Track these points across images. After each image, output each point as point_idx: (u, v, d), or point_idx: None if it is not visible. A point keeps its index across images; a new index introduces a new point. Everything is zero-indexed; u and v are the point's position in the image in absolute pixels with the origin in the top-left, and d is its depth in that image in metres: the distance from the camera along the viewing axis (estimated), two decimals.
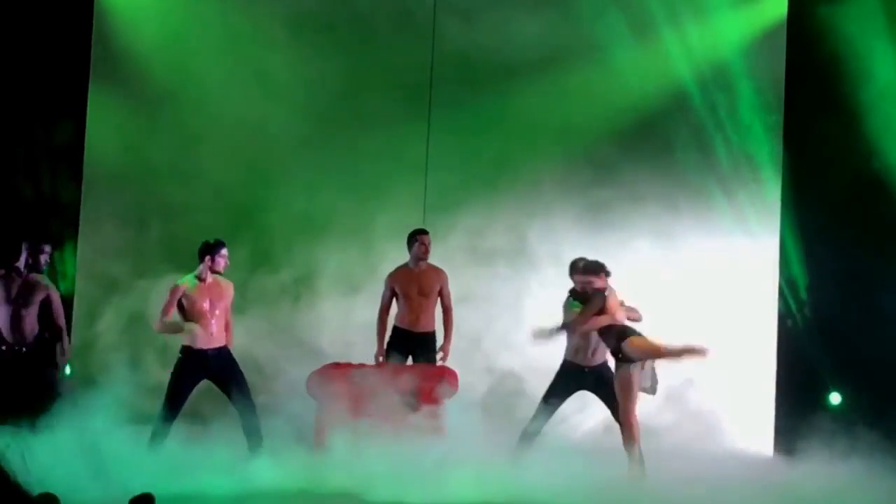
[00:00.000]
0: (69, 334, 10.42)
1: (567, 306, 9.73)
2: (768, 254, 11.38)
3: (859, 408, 11.06)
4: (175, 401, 9.66)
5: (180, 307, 9.70)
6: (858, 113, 10.98)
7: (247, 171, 11.87)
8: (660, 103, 11.51)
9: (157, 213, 11.86)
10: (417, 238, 10.80)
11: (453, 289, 10.97)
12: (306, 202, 11.88)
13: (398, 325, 10.86)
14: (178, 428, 9.56)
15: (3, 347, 9.47)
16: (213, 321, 9.72)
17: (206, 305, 9.72)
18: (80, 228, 11.85)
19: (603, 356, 9.80)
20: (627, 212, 11.54)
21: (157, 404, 9.61)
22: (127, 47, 11.82)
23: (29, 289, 9.56)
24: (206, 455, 8.98)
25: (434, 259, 10.98)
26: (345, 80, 11.73)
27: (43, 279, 9.68)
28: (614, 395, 9.48)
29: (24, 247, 9.60)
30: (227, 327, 9.89)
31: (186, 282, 9.72)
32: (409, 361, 10.72)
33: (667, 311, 11.12)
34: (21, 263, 9.58)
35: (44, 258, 9.67)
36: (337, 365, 10.64)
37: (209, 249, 9.76)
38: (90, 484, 7.88)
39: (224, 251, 9.83)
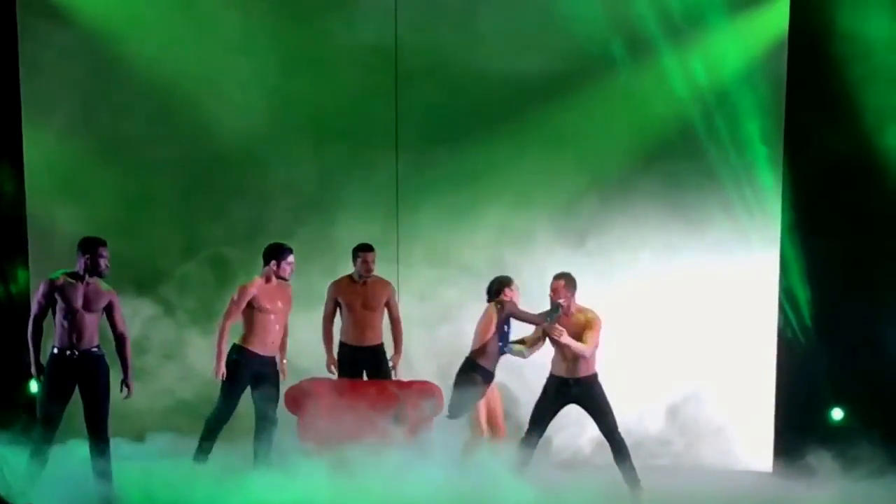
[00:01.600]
0: None
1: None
2: (768, 266, 11.27)
3: (862, 423, 10.97)
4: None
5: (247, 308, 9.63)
6: (862, 126, 10.91)
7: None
8: (658, 117, 11.36)
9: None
10: (360, 255, 10.70)
11: (435, 307, 11.06)
12: (265, 213, 11.74)
13: (343, 340, 10.79)
14: None
15: (67, 353, 8.89)
16: (277, 327, 9.70)
17: (269, 308, 9.66)
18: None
19: (591, 368, 9.67)
20: (626, 226, 11.41)
21: None
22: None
23: (93, 295, 8.96)
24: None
25: (414, 276, 11.04)
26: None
27: (104, 284, 9.08)
28: (599, 409, 9.59)
29: (79, 251, 8.96)
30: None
31: (254, 283, 9.66)
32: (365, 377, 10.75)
33: (666, 325, 11.16)
34: (80, 268, 8.93)
35: (103, 262, 8.95)
36: (315, 380, 10.49)
37: (274, 253, 9.69)
38: None
39: (290, 257, 9.74)
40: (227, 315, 9.58)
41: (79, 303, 8.88)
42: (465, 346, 9.99)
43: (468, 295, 10.85)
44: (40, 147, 11.58)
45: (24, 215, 11.59)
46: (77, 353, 8.88)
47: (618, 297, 11.08)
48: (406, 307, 11.06)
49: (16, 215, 11.61)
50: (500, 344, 9.72)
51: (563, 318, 9.60)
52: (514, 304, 9.70)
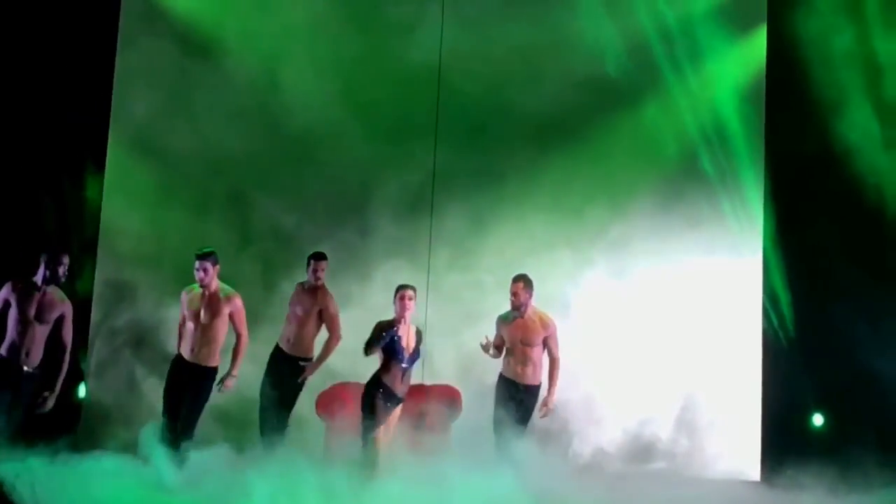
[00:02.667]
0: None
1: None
2: (752, 271, 11.59)
3: (847, 428, 11.20)
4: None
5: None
6: (841, 131, 11.30)
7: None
8: (649, 120, 11.86)
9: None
10: (311, 263, 10.77)
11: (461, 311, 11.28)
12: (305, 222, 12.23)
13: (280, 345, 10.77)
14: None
15: (13, 366, 9.11)
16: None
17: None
18: (100, 239, 12.18)
19: (539, 377, 10.14)
20: (616, 229, 11.80)
21: None
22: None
23: (47, 305, 9.18)
24: None
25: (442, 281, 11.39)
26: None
27: (60, 294, 9.33)
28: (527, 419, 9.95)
29: (42, 259, 9.21)
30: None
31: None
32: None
33: (649, 331, 11.49)
34: (39, 277, 9.16)
35: (62, 270, 9.21)
36: (345, 385, 10.91)
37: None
38: None
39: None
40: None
41: (32, 312, 9.12)
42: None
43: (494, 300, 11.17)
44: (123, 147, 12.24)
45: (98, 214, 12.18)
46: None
47: (605, 300, 11.53)
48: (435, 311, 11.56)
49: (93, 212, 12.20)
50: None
51: (518, 320, 10.00)
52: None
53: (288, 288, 11.03)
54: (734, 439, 11.50)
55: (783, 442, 11.29)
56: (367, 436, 9.52)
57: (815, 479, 9.97)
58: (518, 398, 9.99)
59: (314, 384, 10.81)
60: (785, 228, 11.54)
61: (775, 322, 11.53)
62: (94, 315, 11.92)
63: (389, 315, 9.89)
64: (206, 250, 9.71)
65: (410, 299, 9.64)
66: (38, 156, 11.91)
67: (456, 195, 12.04)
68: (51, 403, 9.31)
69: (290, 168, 12.20)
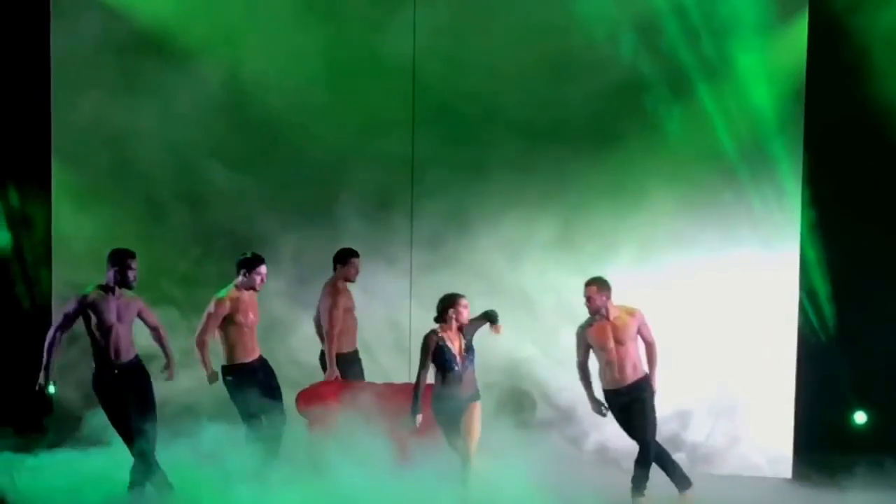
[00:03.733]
0: None
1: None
2: (788, 266, 11.08)
3: (884, 426, 10.94)
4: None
5: (224, 321, 9.73)
6: (881, 119, 10.79)
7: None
8: (668, 108, 11.13)
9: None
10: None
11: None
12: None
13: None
14: None
15: (109, 367, 9.09)
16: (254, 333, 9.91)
17: (251, 318, 9.81)
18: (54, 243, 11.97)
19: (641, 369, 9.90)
20: (645, 224, 11.23)
21: None
22: None
23: (124, 306, 9.16)
24: None
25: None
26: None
27: (130, 293, 9.28)
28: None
29: (109, 262, 9.13)
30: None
31: (227, 295, 9.74)
32: None
33: (684, 327, 10.99)
34: (111, 281, 9.11)
35: (132, 274, 9.14)
36: (327, 384, 10.54)
37: (245, 264, 9.82)
38: None
39: (262, 268, 9.84)
40: (205, 331, 9.70)
41: (112, 316, 9.06)
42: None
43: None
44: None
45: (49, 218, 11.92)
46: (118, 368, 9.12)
47: (637, 297, 10.70)
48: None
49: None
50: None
51: (603, 322, 9.69)
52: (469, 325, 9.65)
53: None
54: (767, 436, 11.12)
55: (817, 439, 10.95)
56: (452, 444, 9.49)
57: (848, 476, 9.97)
58: (625, 401, 9.75)
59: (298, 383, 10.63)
60: (824, 221, 11.10)
61: (812, 316, 11.16)
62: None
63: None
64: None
65: (465, 307, 9.54)
66: None
67: (435, 192, 11.58)
68: (173, 373, 9.65)
69: (255, 165, 11.81)
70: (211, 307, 9.69)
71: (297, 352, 11.30)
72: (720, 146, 11.09)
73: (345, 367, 10.63)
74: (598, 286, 9.67)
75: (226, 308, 9.63)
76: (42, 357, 9.04)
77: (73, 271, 11.55)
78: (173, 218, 11.84)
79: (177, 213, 11.84)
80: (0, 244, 11.84)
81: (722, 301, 11.09)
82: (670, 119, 11.15)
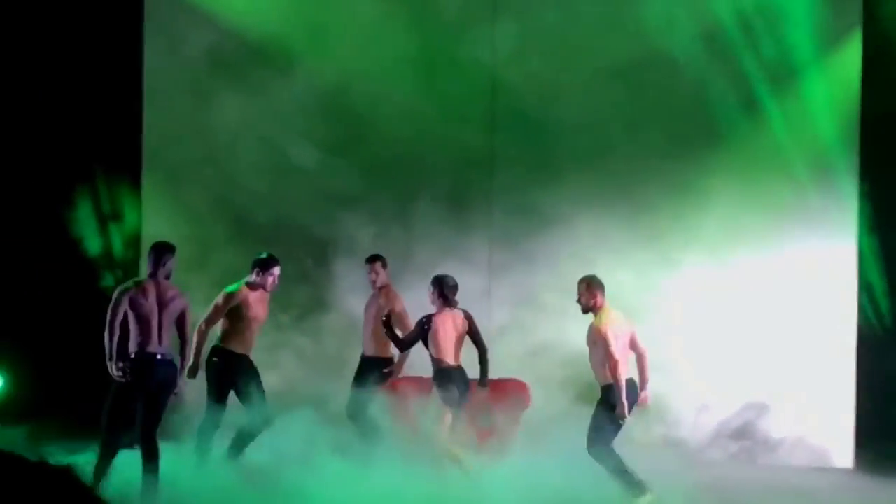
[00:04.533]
0: None
1: None
2: (846, 260, 11.29)
3: None
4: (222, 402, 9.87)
5: (231, 312, 9.82)
6: None
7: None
8: (731, 110, 11.44)
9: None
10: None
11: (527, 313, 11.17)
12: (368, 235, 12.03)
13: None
14: None
15: (147, 356, 8.76)
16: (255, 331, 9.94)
17: (258, 316, 9.88)
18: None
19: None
20: (711, 224, 11.43)
21: None
22: None
23: (164, 293, 8.88)
24: None
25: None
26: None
27: (176, 288, 9.09)
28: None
29: (150, 254, 9.03)
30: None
31: (237, 290, 9.83)
32: None
33: (743, 321, 11.19)
34: (151, 271, 8.94)
35: (166, 267, 8.96)
36: (404, 380, 10.73)
37: (260, 264, 9.93)
38: None
39: (276, 270, 9.95)
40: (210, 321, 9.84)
41: (144, 310, 8.82)
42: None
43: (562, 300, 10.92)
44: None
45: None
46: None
47: (695, 290, 11.25)
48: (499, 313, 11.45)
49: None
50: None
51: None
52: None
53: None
54: (829, 428, 11.29)
55: (878, 430, 11.02)
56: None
57: None
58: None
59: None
60: (880, 216, 11.25)
61: (870, 310, 11.25)
62: None
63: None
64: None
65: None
66: (72, 167, 11.97)
67: (513, 192, 11.84)
68: (182, 394, 9.27)
69: (339, 164, 12.02)
70: (219, 299, 9.79)
71: None
72: (780, 145, 11.32)
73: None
74: (583, 284, 9.36)
75: (234, 301, 9.76)
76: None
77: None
78: (258, 217, 12.01)
79: (262, 213, 12.04)
80: (92, 250, 12.03)
81: (783, 296, 11.26)
82: (733, 120, 11.40)
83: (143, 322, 8.73)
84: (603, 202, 11.57)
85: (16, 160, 11.91)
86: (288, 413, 9.84)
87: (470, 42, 11.80)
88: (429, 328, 9.66)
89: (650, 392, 9.39)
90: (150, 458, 8.72)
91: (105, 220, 12.16)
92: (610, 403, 8.98)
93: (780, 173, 11.32)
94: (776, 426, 11.31)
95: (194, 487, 8.94)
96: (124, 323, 8.73)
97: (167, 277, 8.96)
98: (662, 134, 11.52)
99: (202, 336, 9.72)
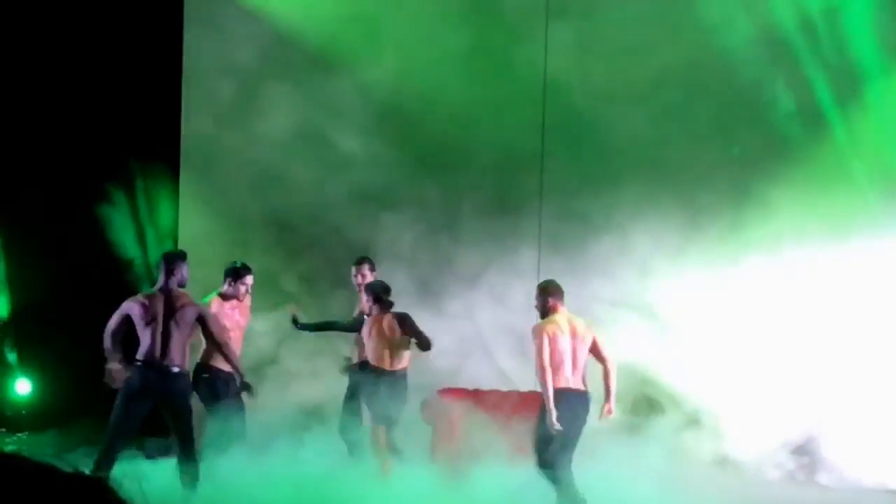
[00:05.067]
0: None
1: None
2: None
3: None
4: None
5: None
6: None
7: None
8: (792, 117, 11.19)
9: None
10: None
11: None
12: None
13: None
14: None
15: (157, 367, 8.66)
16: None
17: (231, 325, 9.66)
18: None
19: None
20: (769, 232, 11.18)
21: None
22: None
23: (175, 303, 8.76)
24: None
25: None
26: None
27: (190, 297, 8.99)
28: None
29: (161, 263, 8.97)
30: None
31: (211, 301, 9.58)
32: None
33: (803, 333, 10.99)
34: (161, 280, 8.85)
35: (179, 275, 8.87)
36: (450, 390, 10.69)
37: (232, 273, 9.73)
38: None
39: (248, 279, 9.75)
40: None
41: (149, 317, 8.74)
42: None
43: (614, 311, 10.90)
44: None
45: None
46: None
47: (754, 302, 11.03)
48: None
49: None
50: None
51: None
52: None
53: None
54: (880, 449, 10.97)
55: None
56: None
57: None
58: None
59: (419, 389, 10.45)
60: None
61: None
62: None
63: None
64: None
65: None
66: (109, 167, 11.84)
67: (564, 198, 11.63)
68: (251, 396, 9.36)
69: (383, 167, 11.84)
70: None
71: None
72: (842, 152, 11.10)
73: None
74: (539, 289, 9.27)
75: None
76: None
77: (199, 277, 11.60)
78: (298, 218, 11.87)
79: (298, 218, 11.89)
80: (126, 252, 11.88)
81: (847, 308, 11.02)
82: (795, 127, 11.19)
83: (148, 332, 8.66)
84: (658, 209, 11.33)
85: (51, 159, 11.80)
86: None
87: (522, 43, 11.61)
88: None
89: (614, 404, 9.12)
90: (189, 480, 8.64)
91: (140, 222, 12.03)
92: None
93: (843, 181, 11.08)
94: (838, 443, 10.98)
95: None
96: (133, 331, 8.70)
97: (181, 286, 8.89)
98: (721, 139, 11.33)
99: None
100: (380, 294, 9.73)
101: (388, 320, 9.69)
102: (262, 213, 11.90)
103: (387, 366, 9.65)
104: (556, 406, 8.59)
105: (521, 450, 9.52)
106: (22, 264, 11.95)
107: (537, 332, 8.86)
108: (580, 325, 8.94)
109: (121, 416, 8.61)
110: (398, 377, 9.69)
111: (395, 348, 9.68)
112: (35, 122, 11.80)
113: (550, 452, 8.70)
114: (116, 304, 9.36)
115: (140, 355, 8.64)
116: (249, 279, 9.74)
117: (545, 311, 9.00)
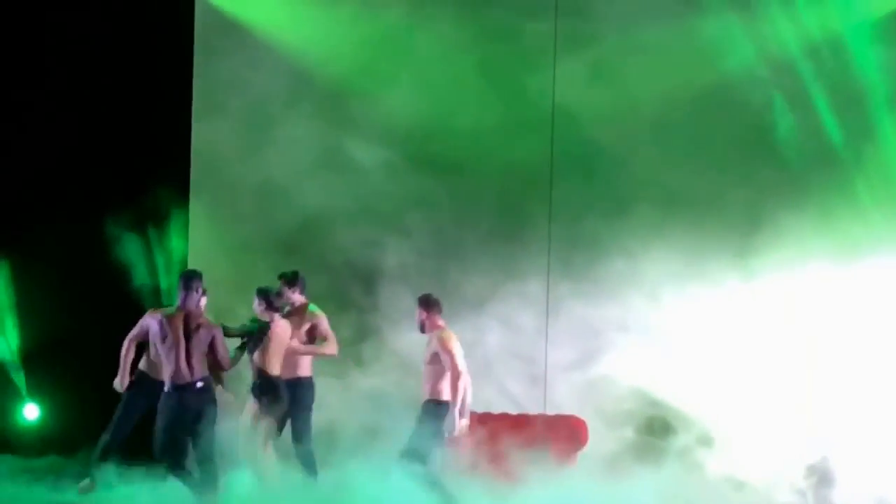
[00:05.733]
0: None
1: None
2: None
3: None
4: None
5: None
6: None
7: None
8: (801, 144, 11.30)
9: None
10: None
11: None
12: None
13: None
14: None
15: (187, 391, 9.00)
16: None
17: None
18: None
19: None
20: (781, 259, 11.24)
21: None
22: None
23: (193, 322, 9.11)
24: None
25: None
26: None
27: (206, 317, 9.32)
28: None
29: (179, 283, 9.29)
30: None
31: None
32: None
33: (812, 355, 11.06)
34: (181, 301, 9.17)
35: (197, 295, 9.22)
36: (489, 415, 10.75)
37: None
38: None
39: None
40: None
41: (162, 336, 9.06)
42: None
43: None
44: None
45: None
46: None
47: (765, 327, 11.10)
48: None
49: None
50: None
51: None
52: None
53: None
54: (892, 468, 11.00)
55: None
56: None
57: None
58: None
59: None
60: None
61: None
62: None
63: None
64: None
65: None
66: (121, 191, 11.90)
67: (574, 224, 11.66)
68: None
69: (391, 189, 11.82)
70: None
71: None
72: (851, 180, 11.18)
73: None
74: (422, 303, 9.65)
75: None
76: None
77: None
78: (305, 241, 11.84)
79: (306, 242, 11.85)
80: (140, 281, 11.91)
81: (855, 334, 11.06)
82: (804, 154, 11.27)
83: (173, 356, 9.00)
84: (667, 235, 11.36)
85: (60, 185, 11.90)
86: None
87: (533, 70, 11.69)
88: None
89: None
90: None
91: (150, 247, 12.04)
92: (438, 418, 9.15)
93: (851, 207, 11.15)
94: (850, 463, 10.90)
95: None
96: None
97: (198, 306, 9.23)
98: (729, 166, 11.39)
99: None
100: (272, 299, 9.76)
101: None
102: (270, 237, 11.89)
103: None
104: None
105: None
106: (31, 290, 11.94)
107: (451, 340, 9.28)
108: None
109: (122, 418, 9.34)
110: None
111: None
112: (44, 149, 11.86)
113: (426, 456, 9.15)
114: (125, 330, 9.53)
115: (169, 378, 8.97)
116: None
117: (434, 324, 9.45)
